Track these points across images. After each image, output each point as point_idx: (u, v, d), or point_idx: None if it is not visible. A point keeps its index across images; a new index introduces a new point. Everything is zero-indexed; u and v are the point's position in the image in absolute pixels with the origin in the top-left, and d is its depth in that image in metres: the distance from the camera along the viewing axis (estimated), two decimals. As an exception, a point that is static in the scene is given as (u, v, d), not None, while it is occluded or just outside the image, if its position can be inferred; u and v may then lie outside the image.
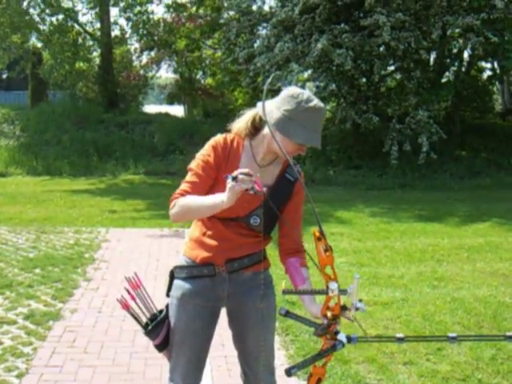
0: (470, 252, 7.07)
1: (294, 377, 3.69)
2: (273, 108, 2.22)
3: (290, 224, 2.38)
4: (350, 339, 2.03)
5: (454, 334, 2.00)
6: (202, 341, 2.41)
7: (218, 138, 2.34)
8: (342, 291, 1.98)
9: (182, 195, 2.25)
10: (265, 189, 2.08)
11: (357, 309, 2.01)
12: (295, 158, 2.40)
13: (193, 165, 2.32)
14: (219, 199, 2.10)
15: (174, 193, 2.29)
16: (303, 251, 2.42)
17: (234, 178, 1.98)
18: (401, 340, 2.02)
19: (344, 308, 2.03)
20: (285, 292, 2.12)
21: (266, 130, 2.28)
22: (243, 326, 2.46)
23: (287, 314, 2.09)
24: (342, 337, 2.03)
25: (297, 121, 2.16)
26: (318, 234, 1.97)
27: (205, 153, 2.31)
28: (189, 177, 2.31)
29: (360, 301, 2.02)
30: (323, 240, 1.97)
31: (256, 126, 2.34)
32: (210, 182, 2.30)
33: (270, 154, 2.31)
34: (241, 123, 2.36)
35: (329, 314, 2.02)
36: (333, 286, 1.96)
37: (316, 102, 2.18)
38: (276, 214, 2.35)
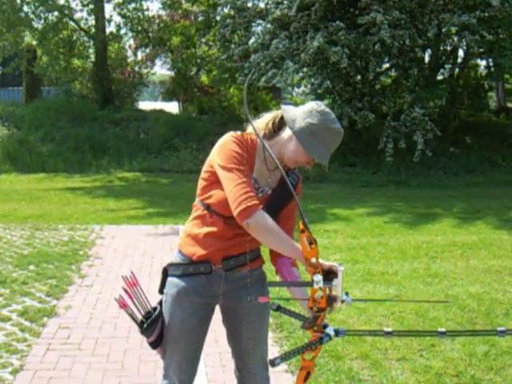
0: (463, 249, 7.10)
1: (288, 373, 3.71)
2: (297, 116, 2.22)
3: (286, 225, 2.36)
4: (337, 332, 2.04)
5: (443, 329, 2.01)
6: (197, 338, 2.42)
7: (237, 134, 2.27)
8: (327, 283, 1.99)
9: (256, 199, 2.13)
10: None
11: (342, 301, 2.01)
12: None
13: (228, 162, 2.18)
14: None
15: (239, 199, 2.11)
16: None
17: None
18: (389, 334, 2.03)
19: (330, 301, 2.04)
20: (270, 284, 2.13)
21: (282, 136, 2.29)
22: (238, 322, 2.46)
23: (278, 309, 2.10)
24: (329, 330, 2.03)
25: (318, 137, 2.18)
26: (301, 226, 1.98)
27: (236, 148, 2.21)
28: (237, 178, 2.15)
29: (346, 293, 2.02)
30: (307, 232, 1.97)
31: (274, 129, 2.33)
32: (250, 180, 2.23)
33: (278, 160, 2.27)
34: (260, 124, 2.34)
35: (315, 306, 2.03)
36: (317, 278, 1.96)
37: (339, 125, 2.24)
38: (277, 215, 2.34)
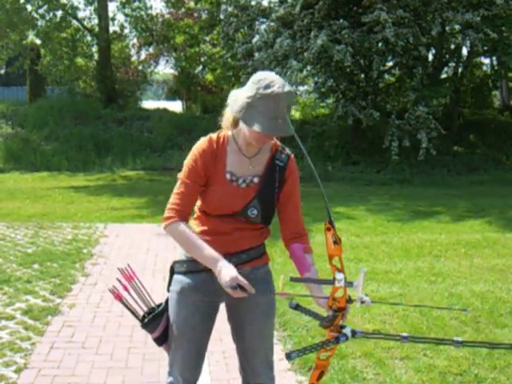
0: (467, 248, 7.08)
1: (291, 371, 3.71)
2: (239, 95, 2.21)
3: (288, 208, 2.38)
4: (354, 333, 2.06)
5: (459, 339, 2.00)
6: (201, 335, 2.42)
7: (203, 142, 2.33)
8: (349, 283, 2.00)
9: (177, 212, 2.27)
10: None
11: (362, 302, 2.02)
12: (284, 142, 2.41)
13: (181, 174, 2.33)
14: (216, 266, 2.18)
15: (167, 206, 2.31)
16: (306, 235, 2.43)
17: (237, 287, 2.12)
18: (405, 339, 2.03)
19: (349, 301, 2.05)
20: (292, 279, 2.14)
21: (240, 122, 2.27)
22: (242, 320, 2.46)
23: (297, 308, 2.10)
24: (347, 330, 2.06)
25: (256, 108, 2.11)
26: (327, 224, 1.98)
27: (191, 161, 2.31)
28: (178, 187, 2.32)
29: (366, 295, 2.03)
30: (332, 231, 1.97)
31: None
32: (199, 190, 2.31)
33: (250, 145, 2.29)
34: (226, 115, 2.34)
35: (334, 305, 2.04)
36: (339, 276, 1.97)
37: (275, 88, 2.09)
38: (273, 201, 2.35)
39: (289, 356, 2.01)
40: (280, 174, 2.35)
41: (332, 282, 1.99)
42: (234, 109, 2.19)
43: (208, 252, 2.21)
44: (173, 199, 2.30)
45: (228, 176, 2.30)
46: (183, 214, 2.28)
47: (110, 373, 3.67)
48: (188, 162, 2.32)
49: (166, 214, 2.29)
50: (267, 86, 2.10)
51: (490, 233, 8.01)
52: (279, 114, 2.10)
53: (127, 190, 11.49)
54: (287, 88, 2.11)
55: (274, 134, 2.17)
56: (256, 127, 2.12)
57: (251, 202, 2.31)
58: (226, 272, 2.13)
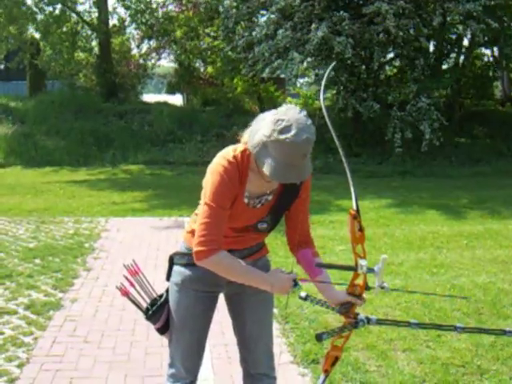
0: (469, 239, 7.07)
1: (293, 364, 3.71)
2: (260, 126, 2.08)
3: (298, 217, 2.37)
4: (368, 320, 2.12)
5: (460, 325, 2.06)
6: (202, 325, 2.44)
7: (229, 165, 2.15)
8: (370, 270, 2.04)
9: (218, 243, 2.13)
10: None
11: (382, 287, 2.07)
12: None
13: (210, 199, 2.15)
14: (267, 284, 2.15)
15: (204, 237, 2.13)
16: (312, 240, 2.44)
17: (296, 285, 2.13)
18: (416, 325, 2.12)
19: (367, 288, 2.11)
20: (317, 265, 2.24)
21: None
22: (242, 310, 2.48)
23: (307, 298, 2.15)
24: (361, 317, 2.13)
25: (270, 150, 2.02)
26: (353, 212, 2.03)
27: (221, 186, 2.14)
28: (210, 215, 2.14)
29: (383, 282, 2.09)
30: (358, 218, 2.01)
31: None
32: (229, 212, 2.20)
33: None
34: (248, 134, 2.17)
35: (356, 291, 2.10)
36: (363, 262, 2.03)
37: (290, 135, 1.97)
38: (282, 214, 2.36)
39: (319, 337, 2.06)
40: (295, 191, 2.31)
41: (355, 268, 2.05)
42: (250, 141, 2.09)
43: (254, 274, 2.19)
44: (208, 228, 2.13)
45: (246, 200, 2.25)
46: (220, 243, 2.16)
47: (113, 367, 3.67)
48: (216, 185, 2.14)
49: (207, 246, 2.11)
50: (283, 131, 1.98)
51: (492, 224, 8.00)
52: (292, 161, 2.02)
53: (128, 184, 11.48)
54: (305, 135, 1.99)
55: (282, 181, 2.10)
56: (266, 170, 2.03)
57: (264, 218, 2.32)
58: (279, 283, 2.14)
